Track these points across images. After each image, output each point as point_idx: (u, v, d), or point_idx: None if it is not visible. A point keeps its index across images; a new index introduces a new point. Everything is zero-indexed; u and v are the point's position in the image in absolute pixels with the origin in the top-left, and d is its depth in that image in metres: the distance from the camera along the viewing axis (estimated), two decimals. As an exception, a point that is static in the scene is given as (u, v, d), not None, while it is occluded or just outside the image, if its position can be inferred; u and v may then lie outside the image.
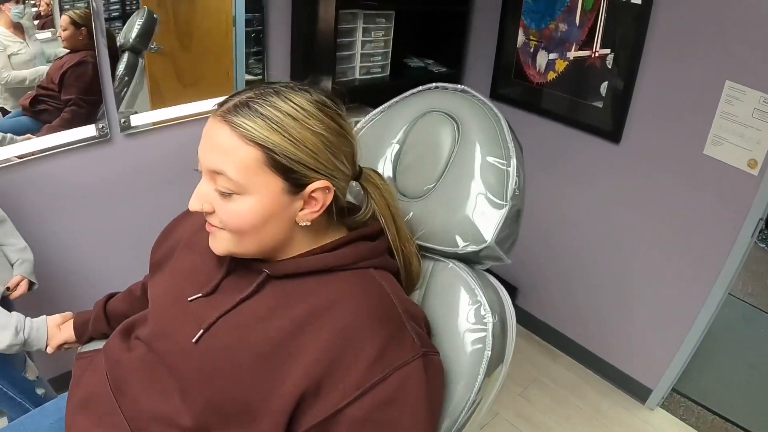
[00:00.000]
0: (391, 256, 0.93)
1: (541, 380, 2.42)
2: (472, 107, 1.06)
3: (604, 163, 2.19)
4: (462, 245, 1.00)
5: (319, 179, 0.80)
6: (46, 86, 1.88)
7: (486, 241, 0.97)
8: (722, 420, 2.26)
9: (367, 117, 1.19)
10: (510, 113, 2.40)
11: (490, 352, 0.91)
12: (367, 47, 2.28)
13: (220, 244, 0.84)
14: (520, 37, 2.30)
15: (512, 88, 2.40)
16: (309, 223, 0.83)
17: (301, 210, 0.81)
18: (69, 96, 1.88)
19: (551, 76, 2.24)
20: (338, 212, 0.89)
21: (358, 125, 1.18)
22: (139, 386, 0.89)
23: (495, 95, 2.46)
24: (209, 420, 0.81)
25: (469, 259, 1.02)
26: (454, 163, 1.03)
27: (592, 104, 2.13)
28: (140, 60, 2.03)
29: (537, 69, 2.28)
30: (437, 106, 1.09)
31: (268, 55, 2.20)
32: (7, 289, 1.48)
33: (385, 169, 1.11)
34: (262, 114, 0.76)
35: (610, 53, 2.02)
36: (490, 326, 0.92)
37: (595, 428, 2.22)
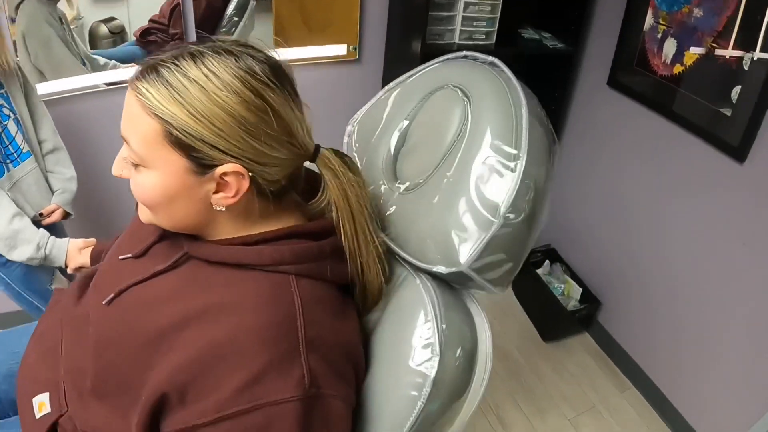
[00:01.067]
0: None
1: (599, 409, 2.16)
2: (493, 85, 0.83)
3: (721, 182, 1.81)
4: (430, 262, 0.81)
5: (229, 162, 0.69)
6: (158, 20, 2.02)
7: (458, 265, 0.77)
8: None
9: (389, 85, 1.01)
10: (625, 105, 2.17)
11: (423, 404, 0.74)
12: (471, 10, 2.09)
13: (142, 212, 0.79)
14: (648, 19, 1.94)
15: (633, 76, 2.06)
16: (223, 209, 0.73)
17: (215, 193, 0.72)
18: (176, 30, 2.01)
19: (677, 69, 1.87)
20: (278, 197, 0.77)
21: (380, 93, 1.01)
22: (71, 335, 0.88)
23: (613, 83, 2.14)
24: (102, 387, 0.78)
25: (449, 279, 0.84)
26: (453, 153, 0.82)
27: (719, 110, 1.76)
28: (251, 2, 2.09)
29: (663, 59, 1.92)
30: (455, 79, 0.88)
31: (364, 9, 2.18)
32: (40, 215, 1.54)
33: (390, 147, 0.94)
34: (167, 81, 0.67)
35: (747, 52, 1.63)
36: (432, 372, 0.74)
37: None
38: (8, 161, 1.47)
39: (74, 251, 1.36)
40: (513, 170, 0.76)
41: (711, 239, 1.87)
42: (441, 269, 0.79)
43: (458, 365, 0.79)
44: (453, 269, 0.78)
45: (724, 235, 1.82)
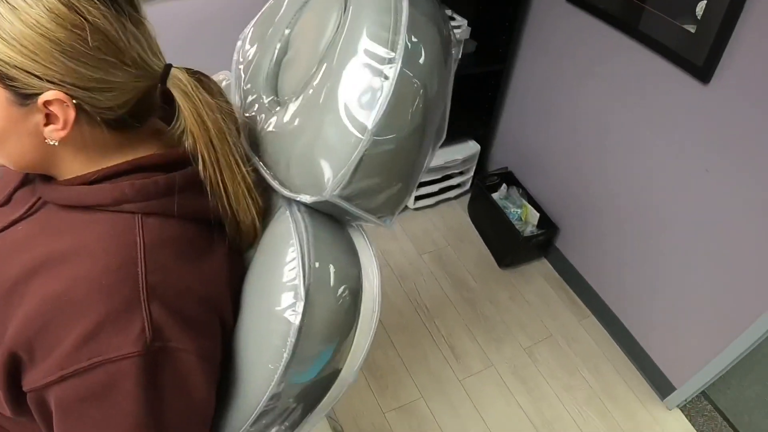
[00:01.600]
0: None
1: (556, 339, 2.09)
2: None
3: (684, 105, 1.67)
4: (297, 190, 0.70)
5: (49, 89, 0.61)
6: None
7: (322, 193, 0.66)
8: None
9: None
10: (585, 21, 1.96)
11: (289, 356, 0.65)
12: None
13: None
14: None
15: None
16: (56, 143, 0.66)
17: (45, 126, 0.64)
18: None
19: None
20: (124, 126, 0.69)
21: (267, 3, 0.89)
22: None
23: None
24: None
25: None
26: (326, 61, 0.69)
27: (683, 27, 1.59)
28: None
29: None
30: None
31: None
32: None
33: (273, 58, 0.82)
34: None
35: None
36: (296, 319, 0.65)
37: (595, 411, 1.89)
38: None
39: None
40: (386, 77, 0.63)
41: (673, 165, 1.75)
42: (305, 198, 0.69)
43: (340, 305, 0.69)
44: (317, 198, 0.67)
45: (686, 160, 1.70)
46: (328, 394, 0.76)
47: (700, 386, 1.86)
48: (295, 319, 0.64)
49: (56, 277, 0.63)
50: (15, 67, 0.59)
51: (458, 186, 2.60)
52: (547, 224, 2.29)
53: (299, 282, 0.65)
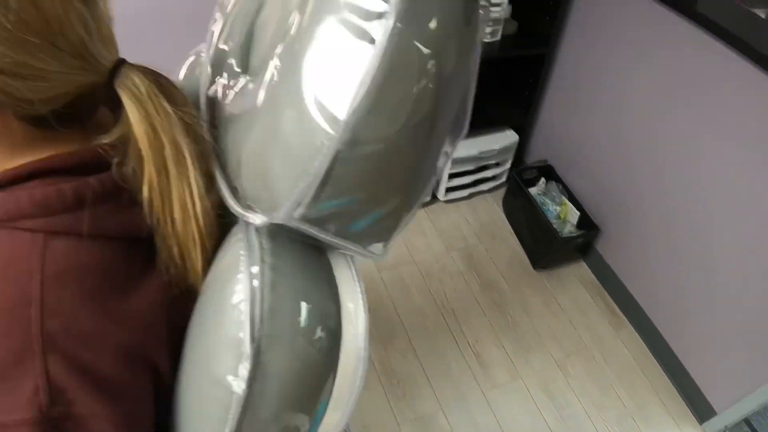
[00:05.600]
0: None
1: (591, 351, 1.93)
2: None
3: (750, 103, 1.46)
4: (246, 205, 0.53)
5: None
6: None
7: (276, 214, 0.49)
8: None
9: None
10: (640, 2, 1.72)
11: (231, 430, 0.50)
12: None
13: None
14: None
15: None
16: None
17: None
18: None
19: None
20: (46, 123, 0.52)
21: None
22: None
23: None
24: None
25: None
26: (301, 6, 0.48)
27: (752, 10, 1.38)
28: None
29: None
30: None
31: None
32: None
33: (243, 27, 0.62)
34: None
35: None
36: (239, 388, 0.49)
37: (628, 433, 1.74)
38: None
39: None
40: (372, 40, 0.42)
41: (733, 170, 1.54)
42: (255, 219, 0.51)
43: (308, 356, 0.52)
44: (268, 219, 0.50)
45: (750, 166, 1.49)
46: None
47: (744, 413, 1.67)
48: (238, 386, 0.48)
49: None
50: None
51: (493, 178, 2.42)
52: (588, 224, 2.10)
53: (244, 335, 0.48)
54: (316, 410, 0.55)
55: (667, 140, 1.75)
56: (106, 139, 0.54)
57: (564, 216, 2.16)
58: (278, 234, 0.54)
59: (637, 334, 1.99)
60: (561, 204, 2.17)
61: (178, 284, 0.58)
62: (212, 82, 0.63)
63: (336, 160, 0.44)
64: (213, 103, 0.62)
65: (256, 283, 0.49)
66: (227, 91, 0.60)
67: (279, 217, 0.48)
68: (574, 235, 2.09)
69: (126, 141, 0.53)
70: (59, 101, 0.51)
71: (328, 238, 0.50)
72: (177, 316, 0.58)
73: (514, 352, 1.90)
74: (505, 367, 1.86)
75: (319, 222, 0.48)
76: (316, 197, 0.46)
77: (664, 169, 1.78)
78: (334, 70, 0.43)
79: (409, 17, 0.41)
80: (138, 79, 0.53)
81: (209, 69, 0.64)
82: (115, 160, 0.53)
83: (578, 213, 2.12)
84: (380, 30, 0.41)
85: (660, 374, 1.89)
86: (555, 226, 2.08)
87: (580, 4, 1.99)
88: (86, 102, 0.54)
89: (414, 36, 0.42)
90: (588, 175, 2.15)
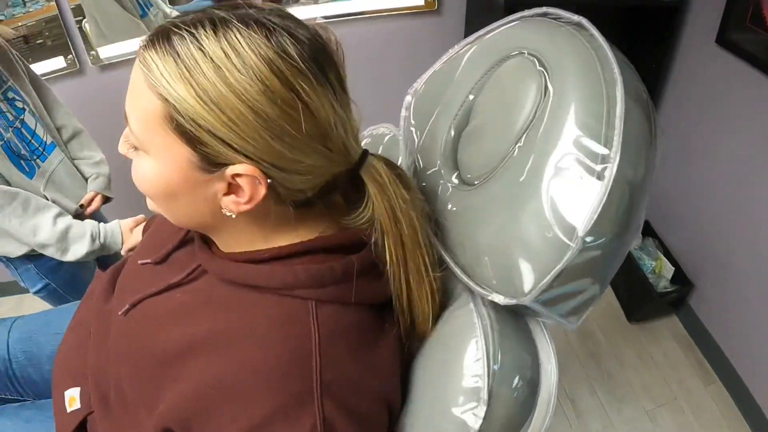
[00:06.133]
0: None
1: (680, 403, 2.07)
2: (579, 55, 0.63)
3: None
4: (486, 286, 0.65)
5: (243, 163, 0.56)
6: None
7: (521, 297, 0.61)
8: None
9: (466, 40, 0.80)
10: (735, 66, 1.82)
11: None
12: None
13: (148, 200, 0.67)
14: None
15: (745, 34, 1.73)
16: (233, 215, 0.61)
17: (226, 195, 0.59)
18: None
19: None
20: (304, 205, 0.64)
21: (449, 52, 0.82)
22: (98, 333, 0.84)
23: (722, 41, 1.81)
24: (122, 399, 0.72)
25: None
26: (525, 145, 0.64)
27: None
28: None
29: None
30: (532, 43, 0.69)
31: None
32: (81, 206, 1.44)
33: (452, 127, 0.77)
34: (176, 53, 0.53)
35: None
36: (476, 424, 0.62)
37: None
38: (36, 157, 1.34)
39: (127, 232, 1.32)
40: (600, 177, 0.57)
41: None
42: (498, 299, 0.63)
43: (516, 401, 0.65)
44: (513, 301, 0.62)
45: None
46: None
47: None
48: (475, 423, 0.61)
49: (221, 358, 0.59)
50: (210, 132, 0.54)
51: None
52: (682, 280, 2.19)
53: (483, 385, 0.61)
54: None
55: (762, 198, 1.81)
56: (357, 221, 0.65)
57: (659, 271, 2.28)
58: (498, 306, 0.67)
59: (725, 389, 2.11)
60: (656, 259, 2.29)
61: (408, 337, 0.70)
62: (418, 173, 0.79)
63: (569, 262, 0.58)
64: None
65: (489, 346, 0.63)
66: (442, 190, 0.75)
67: (524, 300, 0.61)
68: (669, 290, 2.19)
69: (370, 221, 0.65)
70: (318, 187, 0.62)
71: (547, 313, 0.64)
72: (402, 364, 0.70)
73: (608, 401, 2.04)
74: (599, 415, 2.00)
75: (546, 303, 0.62)
76: (549, 287, 0.59)
77: (759, 227, 1.84)
78: (572, 195, 0.57)
79: (625, 160, 0.57)
80: (380, 168, 0.64)
81: (412, 158, 0.81)
82: (373, 240, 0.64)
83: (673, 268, 2.21)
84: (607, 171, 0.57)
85: (746, 431, 2.01)
86: (650, 281, 2.22)
87: (681, 64, 2.09)
88: (333, 184, 0.63)
89: (625, 170, 0.57)
90: (683, 232, 2.23)
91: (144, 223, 1.28)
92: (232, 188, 0.59)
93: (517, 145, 0.65)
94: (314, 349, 0.59)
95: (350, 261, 0.63)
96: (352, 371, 0.62)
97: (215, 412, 0.58)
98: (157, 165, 0.59)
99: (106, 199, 1.54)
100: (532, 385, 0.67)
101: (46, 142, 1.39)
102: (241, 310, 0.63)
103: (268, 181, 0.57)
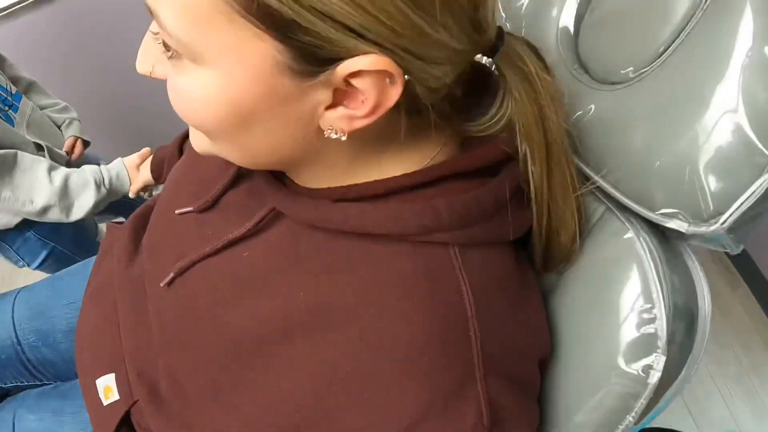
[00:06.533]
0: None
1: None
2: None
3: None
4: (659, 211, 0.51)
5: (368, 53, 0.36)
6: None
7: (715, 222, 0.47)
8: None
9: None
10: None
11: (634, 418, 0.51)
12: None
13: (195, 137, 0.48)
14: None
15: None
16: (344, 137, 0.41)
17: (329, 109, 0.40)
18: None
19: None
20: (439, 112, 0.44)
21: None
22: (129, 306, 0.66)
23: None
24: (179, 392, 0.55)
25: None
26: (693, 37, 0.49)
27: None
28: None
29: None
30: None
31: None
32: (67, 153, 1.32)
33: (563, 15, 0.62)
34: None
35: None
36: (654, 378, 0.49)
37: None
38: (7, 107, 1.20)
39: (133, 170, 1.12)
40: None
41: None
42: (680, 224, 0.49)
43: (680, 346, 0.53)
44: (702, 227, 0.48)
45: None
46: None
47: None
48: (652, 377, 0.49)
49: (339, 343, 0.44)
50: (313, 9, 0.33)
51: None
52: None
53: (662, 333, 0.49)
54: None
55: None
56: (490, 129, 0.47)
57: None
58: (655, 230, 0.55)
59: (752, 295, 2.03)
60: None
61: (548, 267, 0.55)
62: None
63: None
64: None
65: (663, 282, 0.50)
66: (570, 89, 0.59)
67: (717, 226, 0.47)
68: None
69: (505, 128, 0.47)
70: (444, 89, 0.42)
71: (728, 240, 0.51)
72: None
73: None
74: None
75: (732, 230, 0.49)
76: (750, 209, 0.46)
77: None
78: (722, 173, 0.46)
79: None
80: (522, 51, 0.46)
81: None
82: (521, 156, 0.47)
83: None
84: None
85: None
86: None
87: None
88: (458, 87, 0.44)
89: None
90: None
91: (150, 158, 1.07)
92: (339, 96, 0.39)
93: (679, 39, 0.50)
94: (469, 314, 0.43)
95: (500, 186, 0.46)
96: (515, 333, 0.47)
97: (337, 416, 0.43)
98: (218, 77, 0.38)
99: (86, 143, 1.41)
100: (690, 322, 0.55)
101: (11, 91, 1.25)
102: (353, 270, 0.45)
103: (406, 77, 0.38)
